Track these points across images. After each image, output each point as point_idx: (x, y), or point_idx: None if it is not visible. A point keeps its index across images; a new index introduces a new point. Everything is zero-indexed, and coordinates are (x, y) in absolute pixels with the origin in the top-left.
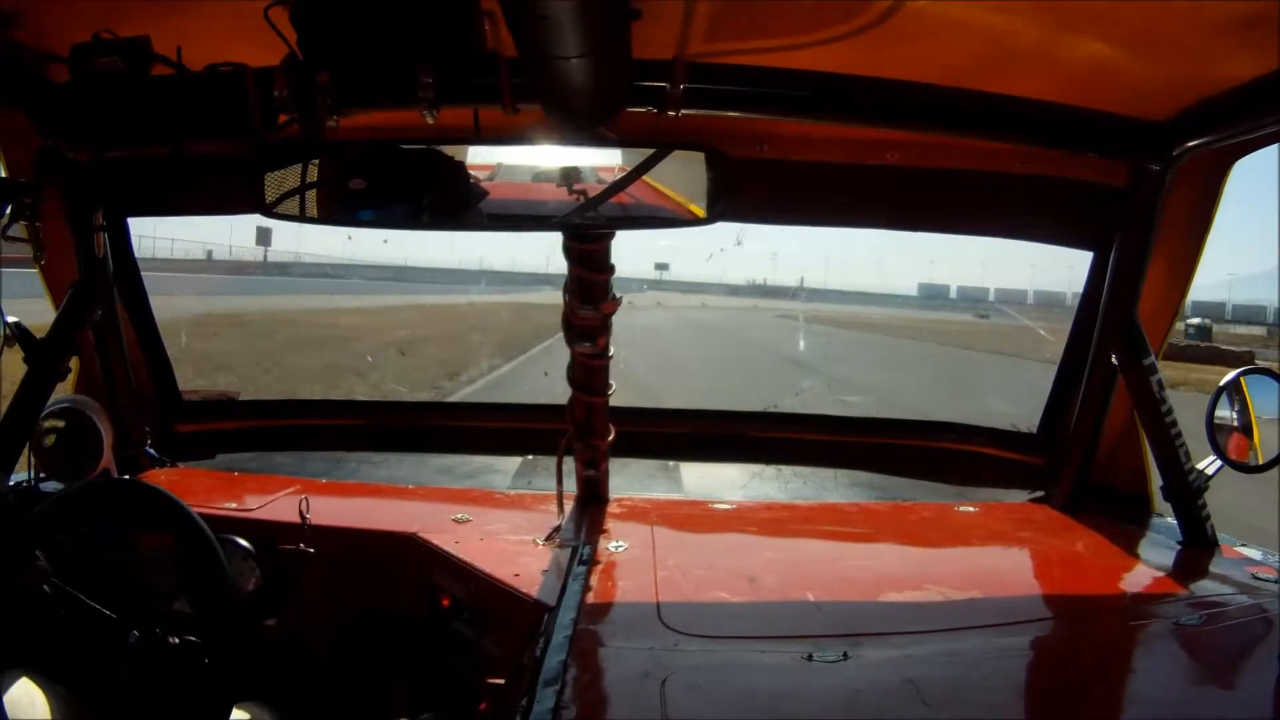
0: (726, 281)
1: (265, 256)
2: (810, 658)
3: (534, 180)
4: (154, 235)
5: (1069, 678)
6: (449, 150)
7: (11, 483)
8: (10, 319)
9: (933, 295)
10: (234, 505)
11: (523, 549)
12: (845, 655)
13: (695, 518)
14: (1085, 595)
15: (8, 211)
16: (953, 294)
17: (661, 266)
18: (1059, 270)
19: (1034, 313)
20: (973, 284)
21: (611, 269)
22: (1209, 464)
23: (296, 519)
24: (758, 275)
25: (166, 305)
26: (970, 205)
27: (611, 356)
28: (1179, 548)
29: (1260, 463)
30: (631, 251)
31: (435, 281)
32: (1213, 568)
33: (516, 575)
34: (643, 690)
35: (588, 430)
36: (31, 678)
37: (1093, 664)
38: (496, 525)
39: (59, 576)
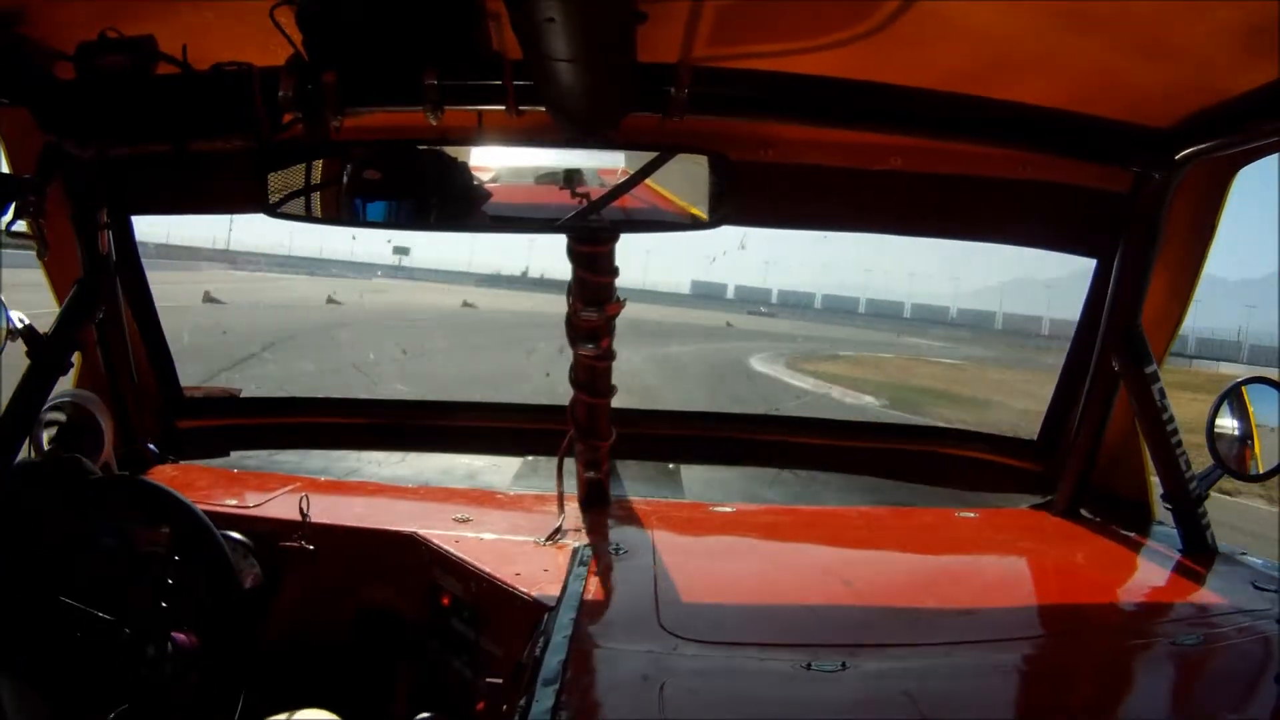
0: (475, 271)
1: None
2: (809, 667)
3: (537, 182)
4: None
5: (1065, 698)
6: (452, 151)
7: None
8: (14, 314)
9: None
10: (234, 502)
11: (523, 549)
12: (844, 665)
13: (695, 521)
14: (1084, 610)
15: (12, 208)
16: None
17: (401, 250)
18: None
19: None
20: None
21: (615, 271)
22: (1209, 472)
23: (297, 517)
24: (514, 265)
25: None
26: (973, 211)
27: (615, 357)
28: (1179, 556)
29: (1260, 471)
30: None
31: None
32: (1212, 578)
33: (517, 575)
34: (642, 693)
35: (589, 432)
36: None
37: (1090, 684)
38: (497, 525)
39: (57, 573)
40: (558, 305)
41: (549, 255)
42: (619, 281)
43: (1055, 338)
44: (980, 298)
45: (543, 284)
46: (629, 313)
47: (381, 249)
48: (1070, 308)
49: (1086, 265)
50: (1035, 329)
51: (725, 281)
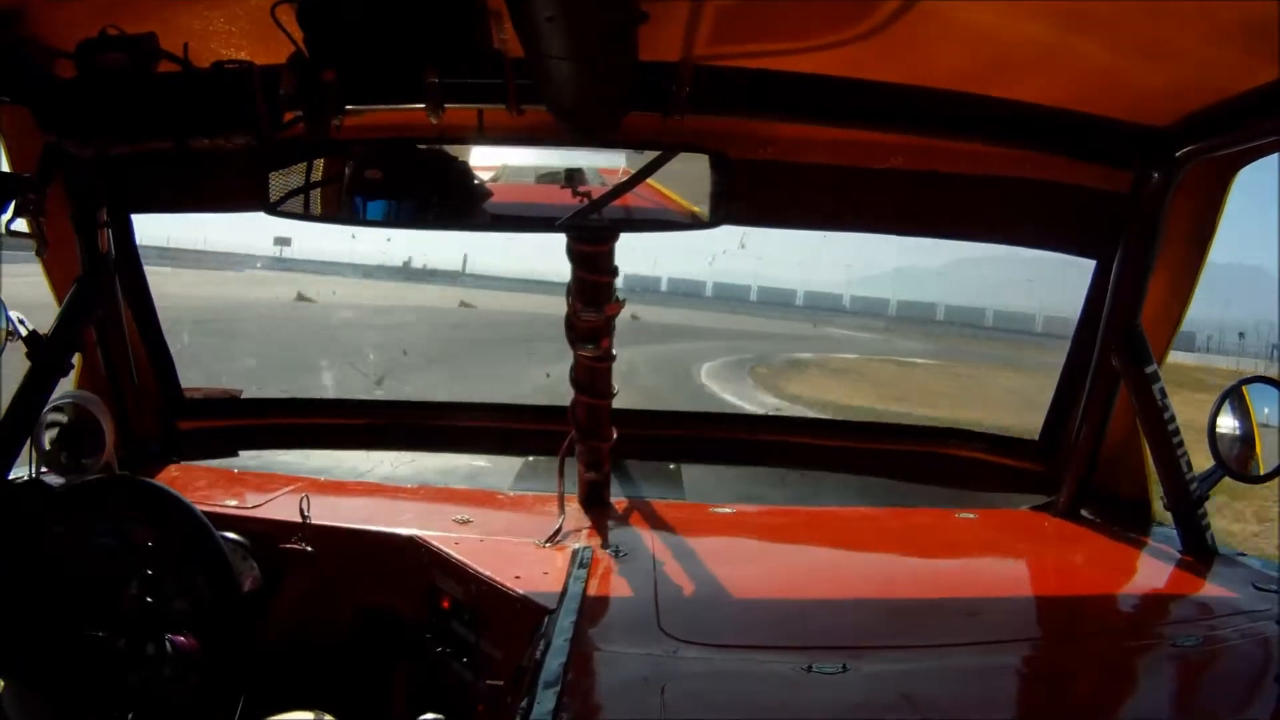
0: (357, 262)
1: None
2: (810, 669)
3: (538, 181)
4: None
5: (1065, 700)
6: (453, 150)
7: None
8: (13, 314)
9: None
10: (234, 503)
11: (523, 551)
12: (844, 667)
13: (695, 522)
14: (1084, 611)
15: (12, 207)
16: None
17: (282, 241)
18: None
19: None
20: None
21: (615, 271)
22: (1210, 473)
23: (297, 518)
24: (398, 256)
25: None
26: (972, 211)
27: (615, 358)
28: (1179, 557)
29: (1262, 473)
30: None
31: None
32: (1212, 579)
33: (517, 577)
34: (643, 696)
35: (590, 432)
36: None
37: (1090, 686)
38: (497, 527)
39: (57, 572)
40: (427, 295)
41: (437, 246)
42: (504, 272)
43: (1000, 329)
44: (870, 284)
45: (426, 275)
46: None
47: (264, 241)
48: (960, 294)
49: (970, 252)
50: (931, 315)
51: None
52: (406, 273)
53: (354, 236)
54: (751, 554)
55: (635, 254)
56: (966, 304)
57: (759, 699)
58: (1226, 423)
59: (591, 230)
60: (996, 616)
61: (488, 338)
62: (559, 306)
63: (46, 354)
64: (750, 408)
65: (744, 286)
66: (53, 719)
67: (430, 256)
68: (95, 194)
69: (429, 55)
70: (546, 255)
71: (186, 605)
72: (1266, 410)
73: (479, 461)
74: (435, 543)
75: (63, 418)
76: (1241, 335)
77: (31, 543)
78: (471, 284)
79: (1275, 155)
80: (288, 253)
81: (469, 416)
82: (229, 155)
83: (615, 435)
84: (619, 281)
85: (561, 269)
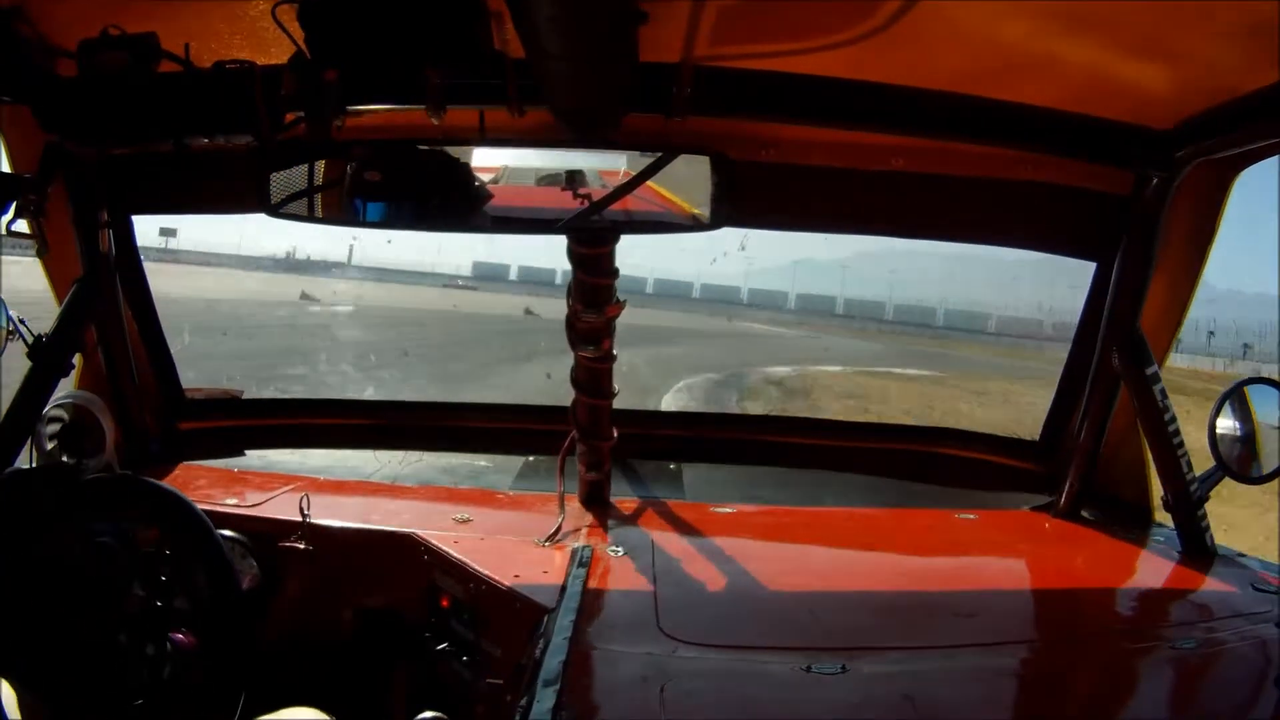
0: (242, 254)
1: None
2: (809, 669)
3: (538, 183)
4: None
5: (1065, 702)
6: (454, 152)
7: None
8: (13, 314)
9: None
10: (234, 502)
11: (523, 550)
12: (844, 668)
13: (695, 522)
14: (1083, 613)
15: (12, 207)
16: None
17: (168, 233)
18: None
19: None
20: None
21: (615, 273)
22: (1210, 474)
23: (297, 517)
24: (282, 249)
25: None
26: (974, 213)
27: (615, 359)
28: (1179, 558)
29: (1263, 473)
30: None
31: None
32: (1212, 581)
33: (517, 576)
34: (642, 695)
35: (591, 433)
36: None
37: (1089, 688)
38: (497, 526)
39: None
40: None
41: (327, 240)
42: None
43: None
44: (768, 277)
45: (306, 266)
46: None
47: (151, 230)
48: (865, 288)
49: (873, 246)
50: (830, 308)
51: (509, 262)
52: (289, 264)
53: (354, 239)
54: (751, 554)
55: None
56: (868, 297)
57: (758, 699)
58: (1227, 423)
59: (592, 232)
60: (996, 617)
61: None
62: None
63: (47, 354)
64: None
65: (640, 279)
66: (53, 719)
67: (312, 248)
68: (96, 194)
69: (430, 56)
70: (422, 249)
71: (187, 604)
72: (1267, 411)
73: (479, 461)
74: (435, 541)
75: (63, 417)
76: (1211, 334)
77: (31, 542)
78: (356, 275)
79: (1276, 158)
80: (173, 244)
81: (470, 417)
82: (230, 156)
83: (616, 435)
84: (559, 278)
85: (416, 259)
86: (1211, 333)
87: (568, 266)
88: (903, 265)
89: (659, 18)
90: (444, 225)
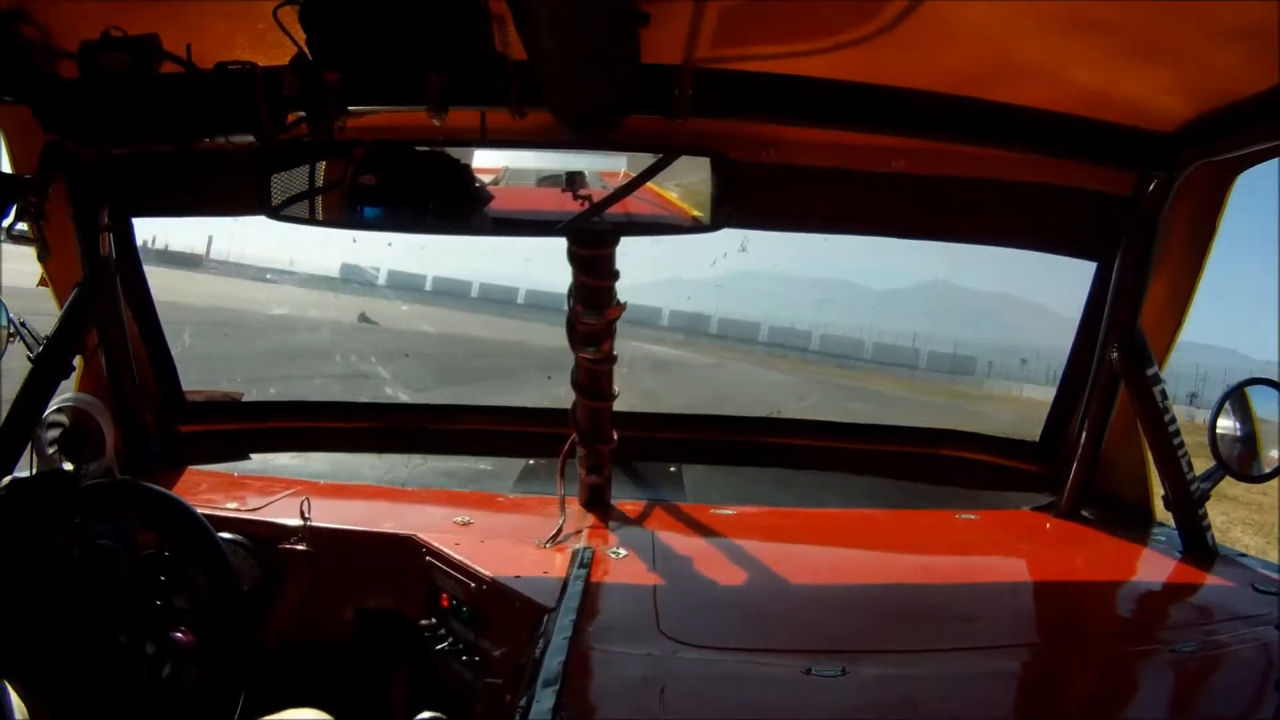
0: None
1: None
2: (809, 672)
3: (539, 185)
4: None
5: (1064, 705)
6: (455, 153)
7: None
8: (14, 316)
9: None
10: (235, 505)
11: (524, 551)
12: (844, 671)
13: (696, 524)
14: (1084, 615)
15: (13, 209)
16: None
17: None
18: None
19: None
20: None
21: (616, 275)
22: (1211, 473)
23: (298, 520)
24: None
25: None
26: (974, 214)
27: (616, 360)
28: (1179, 559)
29: (1263, 472)
30: None
31: None
32: (1213, 582)
33: (517, 577)
34: (642, 696)
35: (591, 435)
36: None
37: (1089, 691)
38: (498, 528)
39: (57, 574)
40: None
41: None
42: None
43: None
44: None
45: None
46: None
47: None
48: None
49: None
50: (704, 328)
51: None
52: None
53: (354, 240)
54: (752, 556)
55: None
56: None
57: (758, 702)
58: (1227, 423)
59: (592, 234)
60: (997, 619)
61: None
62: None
63: (47, 357)
64: None
65: (465, 282)
66: (53, 719)
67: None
68: (96, 196)
69: (432, 57)
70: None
71: (186, 605)
72: (1267, 411)
73: (480, 464)
74: (435, 542)
75: (63, 420)
76: (1024, 361)
77: (32, 544)
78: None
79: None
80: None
81: (470, 419)
82: (231, 157)
83: (616, 437)
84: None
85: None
86: (1024, 360)
87: (435, 272)
88: (780, 289)
89: (660, 19)
90: (444, 227)
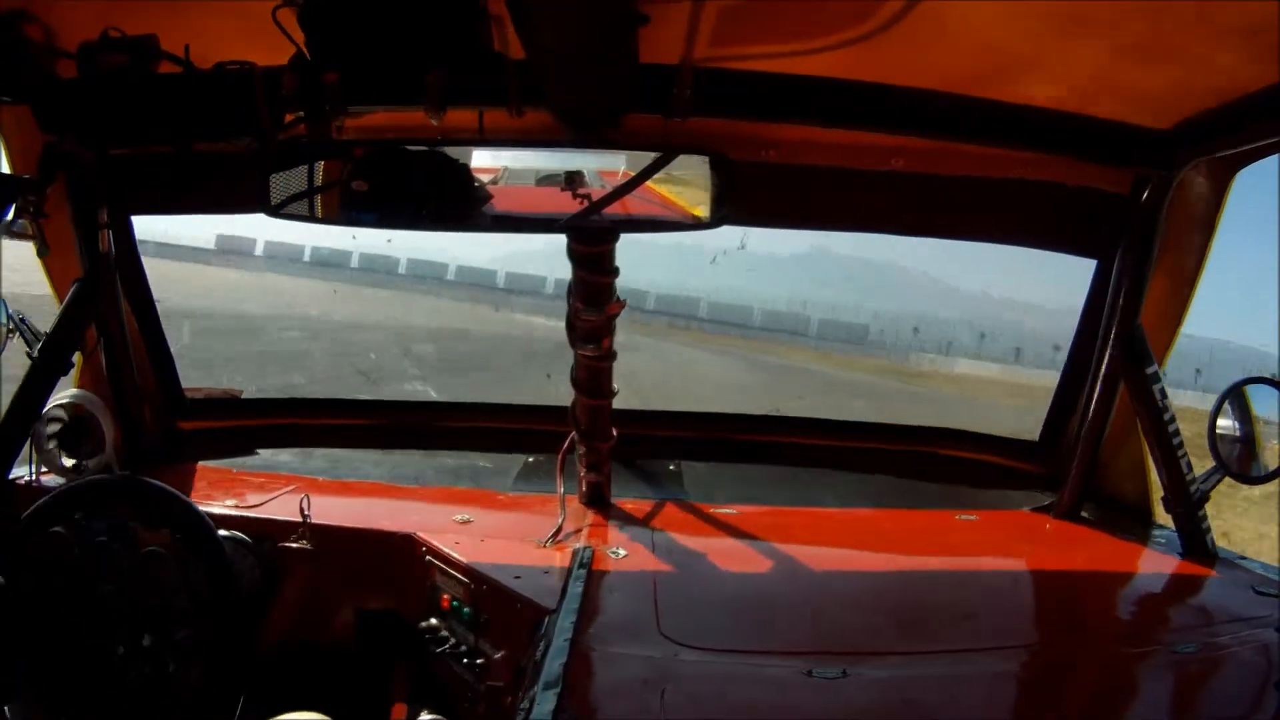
0: None
1: None
2: (810, 674)
3: (539, 183)
4: None
5: (1064, 707)
6: (454, 152)
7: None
8: (14, 312)
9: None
10: (235, 502)
11: (524, 551)
12: (844, 672)
13: (696, 522)
14: (1083, 616)
15: (13, 208)
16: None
17: None
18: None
19: None
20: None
21: (616, 271)
22: (1211, 474)
23: (297, 517)
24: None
25: None
26: (974, 212)
27: (615, 358)
28: (1179, 560)
29: (1264, 472)
30: None
31: None
32: (1212, 583)
33: (517, 578)
34: (643, 697)
35: (591, 433)
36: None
37: (1089, 693)
38: (498, 527)
39: (57, 573)
40: None
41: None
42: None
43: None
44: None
45: None
46: None
47: None
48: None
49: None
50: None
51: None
52: None
53: (354, 238)
54: (752, 555)
55: None
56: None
57: (759, 703)
58: (1227, 423)
59: (592, 231)
60: (997, 620)
61: None
62: None
63: (47, 353)
64: None
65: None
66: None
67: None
68: (96, 195)
69: (431, 57)
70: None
71: (187, 603)
72: (1267, 411)
73: (479, 462)
74: (435, 542)
75: (63, 417)
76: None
77: (32, 544)
78: None
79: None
80: None
81: (469, 417)
82: (230, 157)
83: (616, 435)
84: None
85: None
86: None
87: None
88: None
89: (659, 19)
90: (443, 225)
